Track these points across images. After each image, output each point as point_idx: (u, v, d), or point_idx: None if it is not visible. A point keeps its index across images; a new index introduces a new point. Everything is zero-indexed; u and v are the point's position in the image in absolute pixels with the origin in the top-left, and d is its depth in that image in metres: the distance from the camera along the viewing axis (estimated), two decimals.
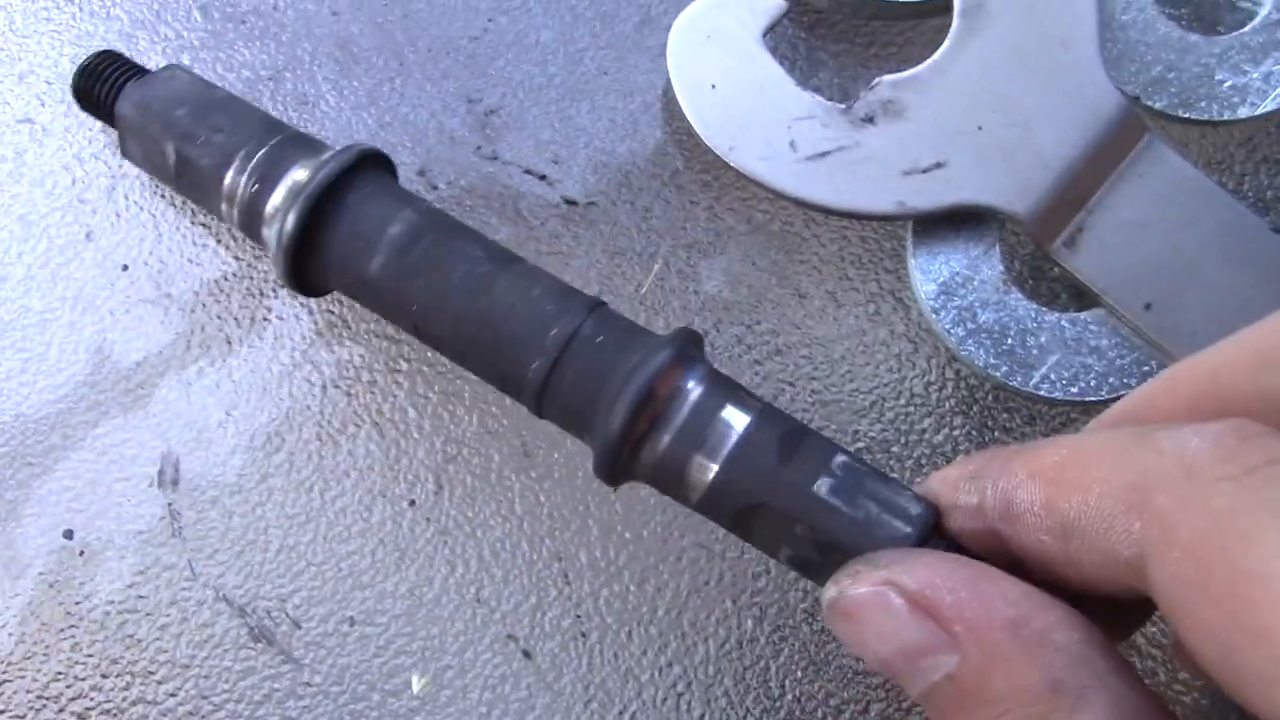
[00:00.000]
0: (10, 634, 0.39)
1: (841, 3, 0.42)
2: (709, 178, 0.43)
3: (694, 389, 0.30)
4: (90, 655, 0.39)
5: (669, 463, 0.30)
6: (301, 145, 0.36)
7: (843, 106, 0.40)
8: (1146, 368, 0.39)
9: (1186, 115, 0.41)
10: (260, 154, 0.35)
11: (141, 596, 0.39)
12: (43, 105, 0.43)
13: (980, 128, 0.40)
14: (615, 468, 0.31)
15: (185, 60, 0.43)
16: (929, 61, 0.40)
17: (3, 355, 0.41)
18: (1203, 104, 0.41)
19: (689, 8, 0.40)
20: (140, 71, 0.39)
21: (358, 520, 0.40)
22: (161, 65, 0.40)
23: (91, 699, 0.39)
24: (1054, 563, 0.26)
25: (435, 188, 0.42)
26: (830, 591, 0.27)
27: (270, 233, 0.35)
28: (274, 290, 0.41)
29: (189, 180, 0.37)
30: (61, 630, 0.39)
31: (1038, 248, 0.40)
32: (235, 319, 0.41)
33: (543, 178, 0.43)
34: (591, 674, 0.39)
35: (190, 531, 0.40)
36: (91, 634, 0.39)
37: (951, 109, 0.40)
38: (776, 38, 0.43)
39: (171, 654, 0.39)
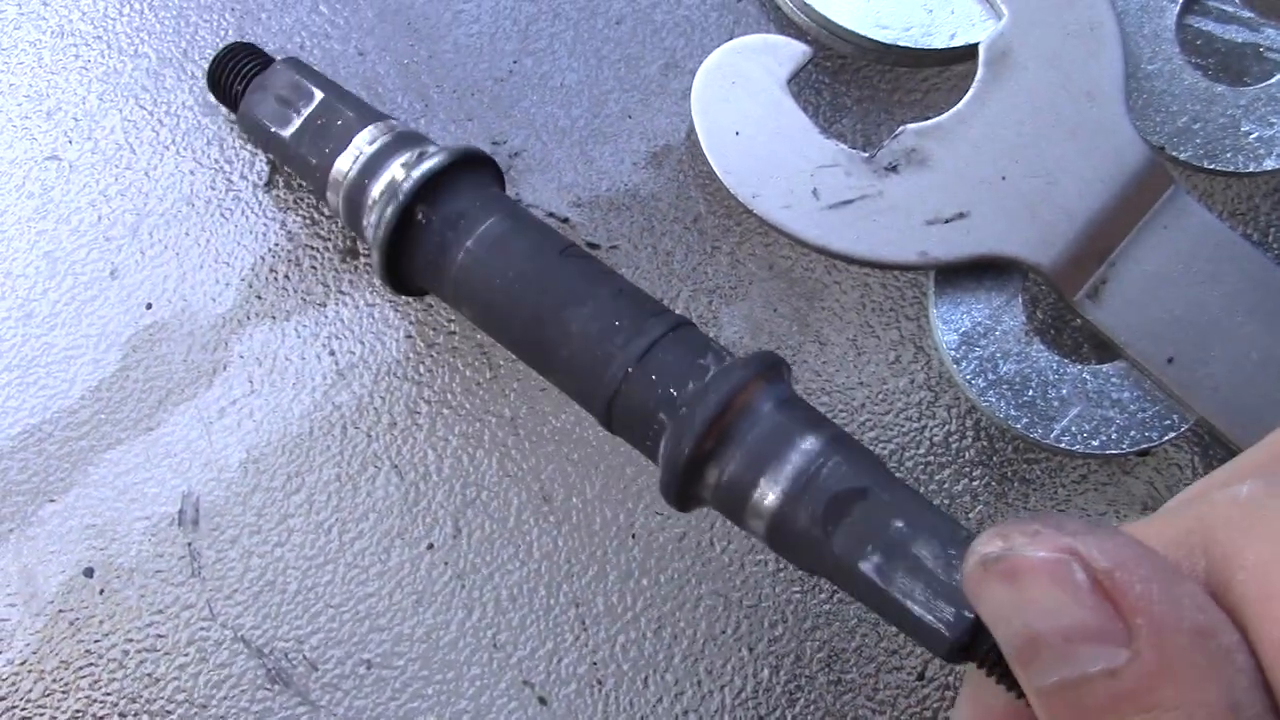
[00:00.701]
0: (30, 671, 0.39)
1: (865, 49, 0.42)
2: (731, 223, 0.43)
3: (769, 412, 0.29)
4: (109, 694, 0.39)
5: (734, 486, 0.29)
6: (407, 142, 0.37)
7: (866, 155, 0.40)
8: (1168, 421, 0.39)
9: (1212, 166, 0.41)
10: (365, 150, 0.37)
11: (160, 635, 0.39)
12: (70, 142, 0.43)
13: (1004, 178, 0.39)
14: (682, 486, 0.30)
15: (212, 99, 0.44)
16: (953, 110, 0.40)
17: (26, 392, 0.41)
18: (1228, 155, 0.41)
19: (714, 53, 0.40)
20: (263, 64, 0.41)
21: (376, 562, 0.40)
22: (179, 117, 0.41)
23: None
24: None
25: None
26: (992, 545, 0.23)
27: (367, 225, 0.36)
28: (295, 331, 0.42)
29: (302, 170, 0.39)
30: (81, 668, 0.39)
31: (1060, 299, 0.40)
32: (257, 359, 0.41)
33: (565, 220, 0.43)
34: None
35: (209, 571, 0.40)
36: (110, 672, 0.39)
37: (975, 159, 0.40)
38: (800, 83, 0.43)
39: (189, 694, 0.39)
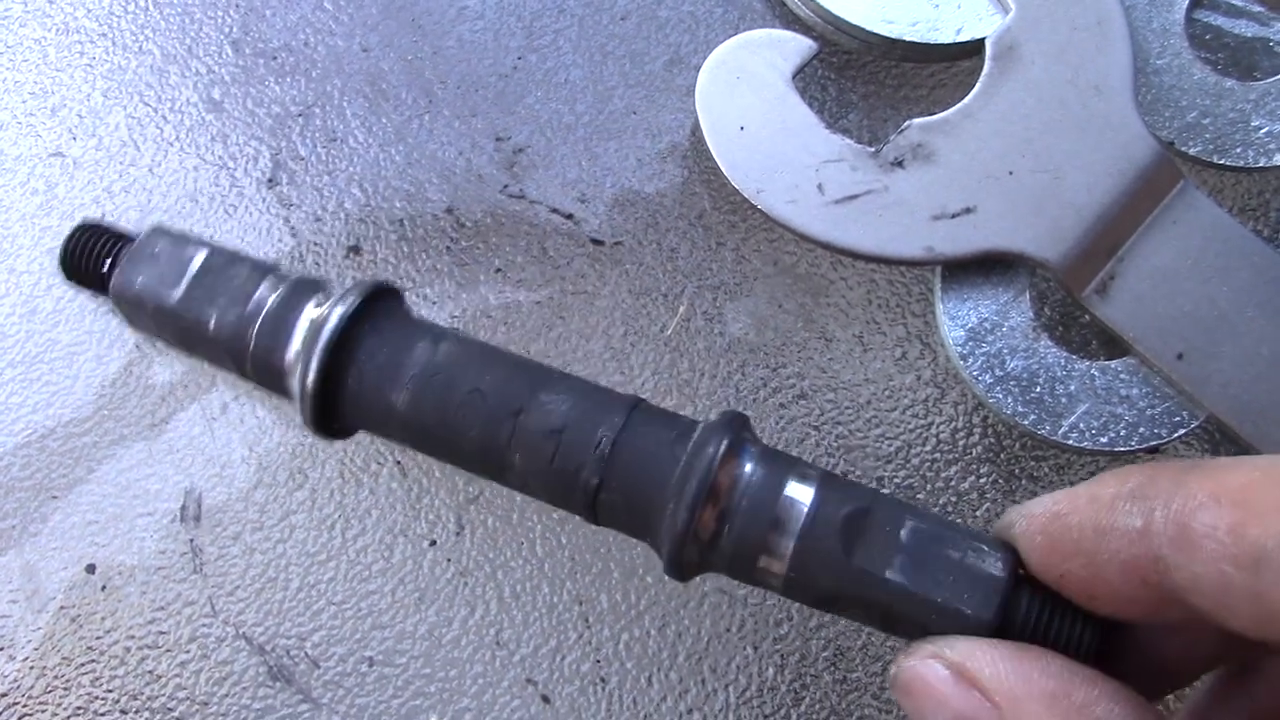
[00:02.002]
0: (32, 667, 0.39)
1: (872, 45, 0.42)
2: (736, 219, 0.42)
3: (752, 473, 0.29)
4: (110, 690, 0.39)
5: (742, 554, 0.29)
6: (305, 290, 0.34)
7: (871, 150, 0.39)
8: (1178, 418, 0.38)
9: (1221, 161, 0.41)
10: (266, 309, 0.33)
11: (162, 632, 0.39)
12: (75, 139, 0.43)
13: (1011, 173, 0.39)
14: (687, 569, 0.30)
15: (216, 95, 0.44)
16: (959, 105, 0.40)
17: (30, 388, 0.41)
18: (1238, 150, 0.41)
19: (719, 48, 0.40)
20: (124, 240, 0.36)
21: (378, 559, 0.40)
22: (183, 113, 0.40)
23: None
24: (1233, 597, 0.23)
25: (463, 226, 0.42)
26: (892, 668, 0.28)
27: (293, 384, 0.33)
28: None
29: (200, 349, 0.35)
30: (82, 664, 0.39)
31: (1068, 295, 0.39)
32: None
33: (569, 217, 0.42)
34: None
35: (211, 568, 0.40)
36: (112, 669, 0.39)
37: (982, 153, 0.39)
38: (806, 79, 0.43)
39: (191, 691, 0.39)
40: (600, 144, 0.43)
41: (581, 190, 0.43)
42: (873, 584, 0.28)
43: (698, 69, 0.40)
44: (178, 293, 0.34)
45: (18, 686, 0.39)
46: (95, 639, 0.39)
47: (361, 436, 0.40)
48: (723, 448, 0.29)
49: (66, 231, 0.35)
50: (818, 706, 0.38)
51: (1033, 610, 0.28)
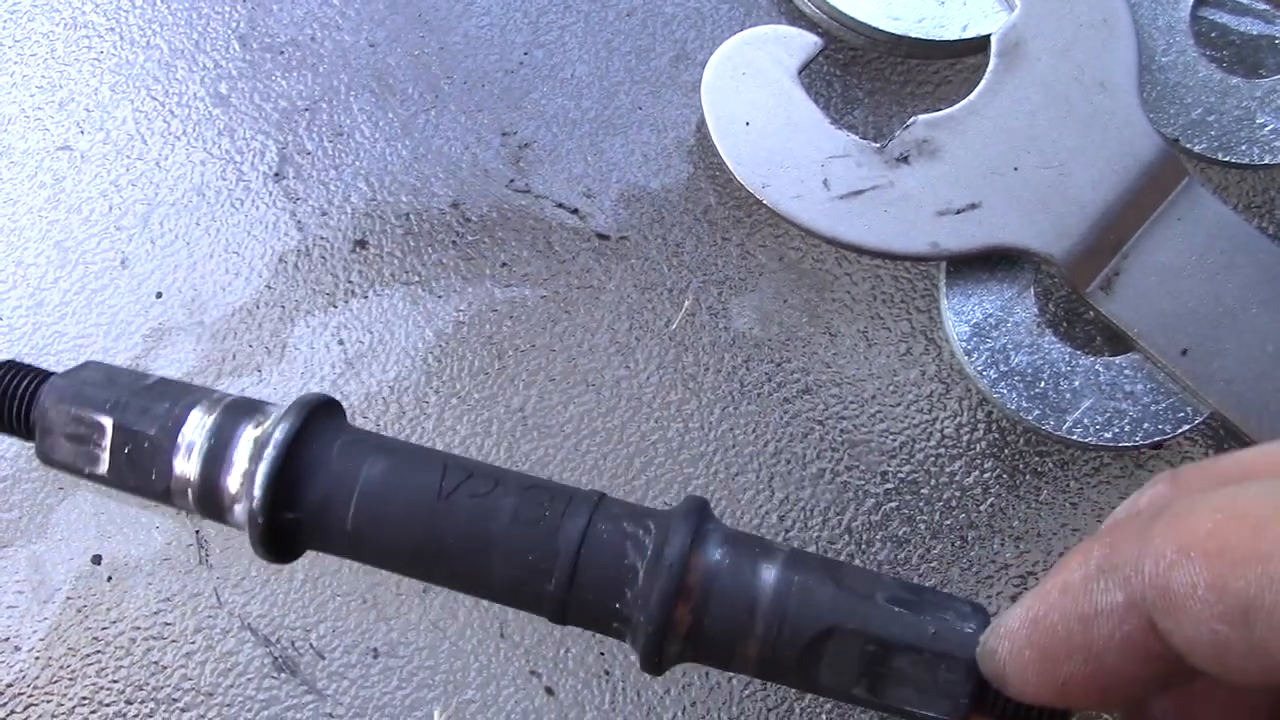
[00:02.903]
0: (37, 658, 0.39)
1: (877, 40, 0.42)
2: (741, 214, 0.42)
3: (719, 562, 0.30)
4: (115, 681, 0.39)
5: (718, 641, 0.30)
6: (241, 411, 0.32)
7: (877, 146, 0.39)
8: (1182, 414, 0.38)
9: (1226, 159, 0.41)
10: (202, 436, 0.32)
11: (167, 623, 0.39)
12: (82, 133, 0.43)
13: (1016, 169, 0.39)
14: (664, 662, 0.30)
15: (223, 90, 0.44)
16: (964, 101, 0.40)
17: None
18: (1243, 147, 0.41)
19: (724, 44, 0.40)
20: (44, 375, 0.34)
21: None
22: (190, 108, 0.40)
23: None
24: (1231, 655, 0.21)
25: (469, 220, 0.42)
26: None
27: (238, 513, 0.31)
28: (304, 320, 0.42)
29: (129, 479, 0.33)
30: (88, 655, 0.39)
31: (1073, 291, 0.39)
32: (266, 347, 0.41)
33: (575, 211, 0.43)
34: (614, 712, 0.39)
35: (217, 559, 0.40)
36: (117, 659, 0.39)
37: (987, 150, 0.39)
38: (812, 75, 0.43)
39: (196, 682, 0.39)
40: (606, 139, 0.43)
41: (587, 185, 0.43)
42: (865, 609, 0.29)
43: (703, 65, 0.40)
44: (102, 467, 0.33)
45: (23, 677, 0.39)
46: (101, 630, 0.39)
47: (364, 425, 0.40)
48: (687, 544, 0.29)
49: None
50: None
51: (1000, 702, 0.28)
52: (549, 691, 0.39)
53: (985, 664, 0.27)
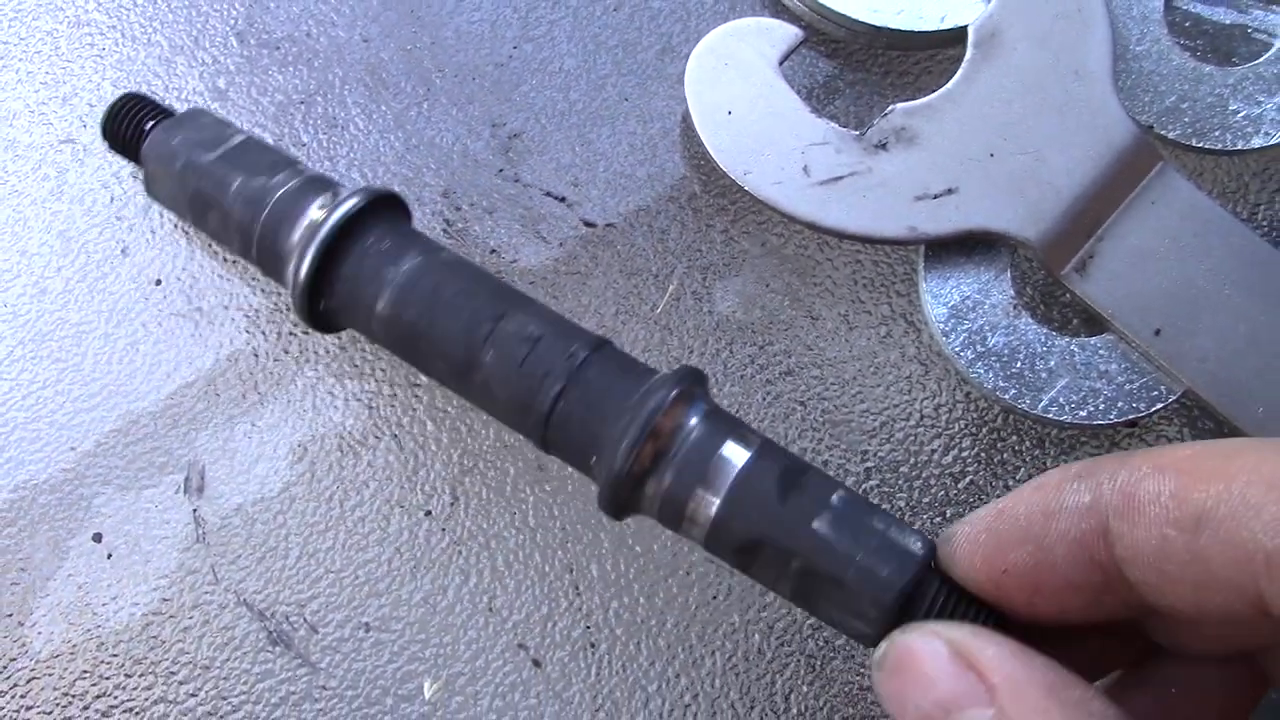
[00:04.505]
0: (40, 633, 0.40)
1: (857, 32, 0.43)
2: (725, 201, 0.43)
3: (695, 426, 0.31)
4: (115, 655, 0.40)
5: (672, 498, 0.31)
6: (318, 186, 0.36)
7: (856, 133, 0.40)
8: (1155, 392, 0.39)
9: (1200, 145, 0.42)
10: (279, 195, 0.36)
11: (166, 599, 0.40)
12: (84, 126, 0.45)
13: (992, 155, 0.40)
14: (619, 502, 0.31)
15: (221, 84, 0.45)
16: (942, 90, 0.41)
17: (40, 364, 0.43)
18: (1216, 134, 0.42)
19: (707, 36, 0.41)
20: (166, 113, 0.40)
21: (375, 529, 0.41)
22: (190, 102, 0.42)
23: (115, 698, 0.40)
24: (1172, 562, 0.24)
25: (459, 209, 0.43)
26: (881, 648, 0.27)
27: (288, 272, 0.35)
28: None
29: (210, 221, 0.37)
30: (88, 630, 0.40)
31: (1048, 273, 0.40)
32: (263, 333, 0.43)
33: (562, 200, 0.44)
34: (600, 684, 0.39)
35: (214, 537, 0.41)
36: (117, 635, 0.40)
37: (964, 136, 0.40)
38: (795, 66, 0.44)
39: (193, 656, 0.40)
40: (593, 130, 0.44)
41: (575, 174, 0.44)
42: (798, 532, 0.29)
43: (689, 57, 0.41)
44: (210, 156, 0.37)
45: (25, 651, 0.40)
46: (101, 606, 0.40)
47: (359, 409, 0.42)
48: (673, 394, 0.30)
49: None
50: (802, 672, 0.39)
51: (942, 592, 0.28)
52: (536, 664, 0.40)
53: (942, 546, 0.29)
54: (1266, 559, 0.22)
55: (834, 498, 0.30)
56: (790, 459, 0.31)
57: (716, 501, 0.30)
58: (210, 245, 0.43)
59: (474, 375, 0.33)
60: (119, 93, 0.40)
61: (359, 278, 0.35)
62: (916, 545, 0.29)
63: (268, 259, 0.36)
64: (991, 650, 0.25)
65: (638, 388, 0.31)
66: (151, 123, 0.39)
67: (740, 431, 0.31)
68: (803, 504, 0.29)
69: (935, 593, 0.28)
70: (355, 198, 0.35)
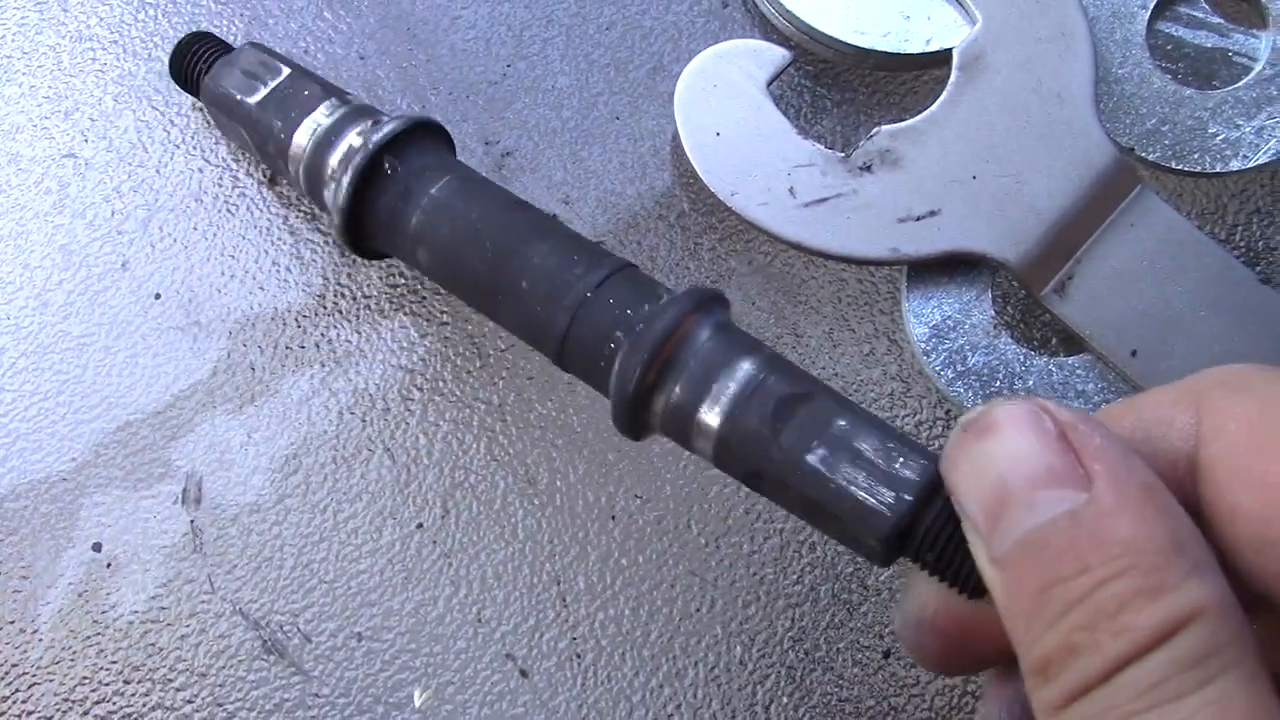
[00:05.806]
0: (40, 640, 0.41)
1: (845, 54, 0.44)
2: (713, 220, 0.44)
3: (706, 341, 0.31)
4: (114, 662, 0.41)
5: (677, 413, 0.31)
6: (362, 114, 0.39)
7: (841, 155, 0.41)
8: None
9: (1180, 167, 0.42)
10: (323, 123, 0.39)
11: (163, 608, 0.41)
12: (86, 141, 0.46)
13: (974, 177, 0.41)
14: (631, 418, 0.31)
15: None
16: (926, 112, 0.42)
17: (42, 376, 0.44)
18: (1195, 156, 0.42)
19: (697, 58, 0.42)
20: (224, 49, 0.43)
21: (368, 541, 0.42)
22: (193, 115, 0.43)
23: (114, 703, 0.41)
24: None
25: None
26: (974, 411, 0.26)
27: (328, 194, 0.38)
28: (296, 321, 0.44)
29: (263, 148, 0.41)
30: (88, 638, 0.41)
31: (1028, 294, 0.41)
32: (259, 347, 0.43)
33: (554, 217, 0.44)
34: (585, 694, 0.41)
35: (211, 548, 0.42)
36: (116, 642, 0.41)
37: (946, 159, 0.41)
38: (783, 87, 0.45)
39: (190, 663, 0.41)
40: (585, 148, 0.45)
41: (566, 192, 0.45)
42: (791, 465, 0.29)
43: (679, 77, 0.42)
44: (253, 100, 0.41)
45: (27, 657, 0.41)
46: (101, 614, 0.41)
47: (353, 423, 0.43)
48: (686, 310, 0.31)
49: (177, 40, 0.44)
50: (783, 684, 0.40)
51: (939, 522, 0.28)
52: (523, 674, 0.41)
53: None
54: (1187, 460, 0.26)
55: (834, 425, 0.29)
56: (796, 383, 0.30)
57: (717, 423, 0.30)
58: (208, 259, 0.44)
59: (500, 287, 0.34)
60: (185, 32, 0.45)
61: (394, 199, 0.37)
62: (916, 470, 0.28)
63: (314, 186, 0.39)
64: (1099, 440, 0.24)
65: (654, 304, 0.32)
66: (214, 59, 0.43)
67: (750, 349, 0.31)
68: (798, 434, 0.29)
69: (935, 518, 0.28)
70: (392, 124, 0.37)
